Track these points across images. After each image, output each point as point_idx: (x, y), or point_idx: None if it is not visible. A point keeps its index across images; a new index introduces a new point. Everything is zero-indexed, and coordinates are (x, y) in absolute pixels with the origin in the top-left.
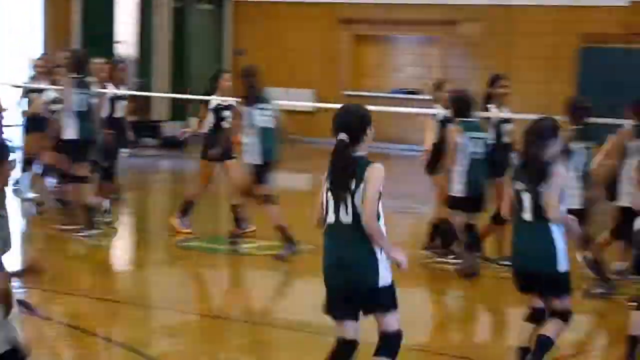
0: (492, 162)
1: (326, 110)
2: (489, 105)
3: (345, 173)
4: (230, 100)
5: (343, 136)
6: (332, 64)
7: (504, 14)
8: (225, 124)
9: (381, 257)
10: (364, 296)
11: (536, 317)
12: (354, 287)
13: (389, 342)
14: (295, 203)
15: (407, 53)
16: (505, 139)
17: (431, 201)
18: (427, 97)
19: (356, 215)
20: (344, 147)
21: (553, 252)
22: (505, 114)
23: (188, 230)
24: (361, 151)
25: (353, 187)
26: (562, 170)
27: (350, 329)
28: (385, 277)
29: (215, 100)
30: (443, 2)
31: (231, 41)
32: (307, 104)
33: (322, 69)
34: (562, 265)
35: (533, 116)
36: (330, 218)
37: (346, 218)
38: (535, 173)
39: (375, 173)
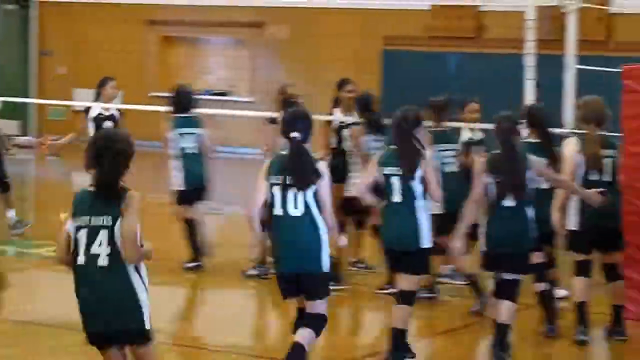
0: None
1: (132, 111)
2: (334, 110)
3: (306, 169)
4: (113, 110)
5: (296, 134)
6: (140, 66)
7: (309, 17)
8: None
9: (325, 246)
10: (309, 279)
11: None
12: (304, 271)
13: (317, 321)
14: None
15: (216, 55)
16: (347, 144)
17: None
18: (237, 98)
19: (307, 208)
20: (300, 145)
21: (420, 231)
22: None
23: None
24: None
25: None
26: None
27: (299, 299)
28: (327, 264)
29: (97, 108)
30: (250, 4)
31: (37, 42)
32: (114, 106)
33: (130, 70)
34: (427, 242)
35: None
36: (278, 211)
37: (294, 211)
38: (408, 158)
39: (325, 169)
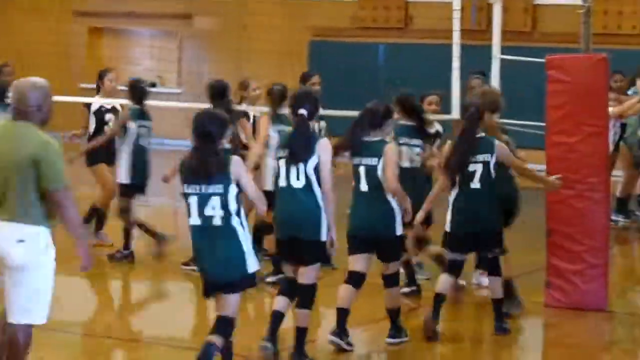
0: None
1: (59, 103)
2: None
3: (307, 144)
4: (114, 102)
5: (303, 111)
6: (66, 57)
7: (238, 8)
8: (107, 128)
9: (323, 217)
10: (306, 245)
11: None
12: (302, 237)
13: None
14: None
15: (144, 46)
16: None
17: None
18: (165, 90)
19: (308, 180)
20: (305, 121)
21: (390, 219)
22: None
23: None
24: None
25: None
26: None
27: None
28: (324, 233)
29: (97, 102)
30: None
31: None
32: (114, 101)
33: (56, 62)
34: (398, 230)
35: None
36: (282, 183)
37: (296, 183)
38: (372, 149)
39: (327, 146)
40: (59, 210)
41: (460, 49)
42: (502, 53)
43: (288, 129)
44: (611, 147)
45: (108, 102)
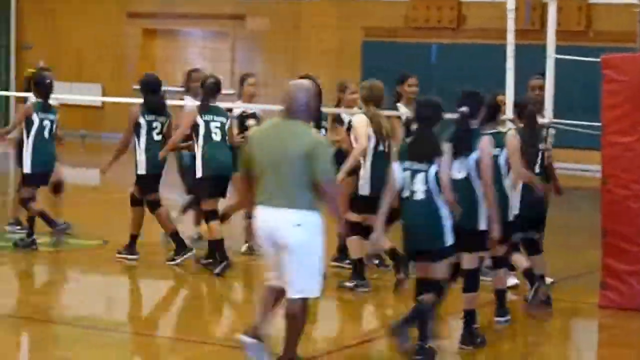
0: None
1: (114, 104)
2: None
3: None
4: (255, 108)
5: (464, 109)
6: (120, 58)
7: (290, 9)
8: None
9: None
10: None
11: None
12: (426, 250)
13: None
14: (85, 199)
15: (197, 47)
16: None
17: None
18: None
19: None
20: (465, 118)
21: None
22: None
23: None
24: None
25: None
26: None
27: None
28: (448, 239)
29: (238, 107)
30: None
31: (16, 35)
32: (95, 98)
33: (110, 63)
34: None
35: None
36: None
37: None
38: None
39: (487, 142)
40: (324, 196)
41: (514, 48)
42: (557, 53)
43: (219, 119)
44: None
45: (247, 107)
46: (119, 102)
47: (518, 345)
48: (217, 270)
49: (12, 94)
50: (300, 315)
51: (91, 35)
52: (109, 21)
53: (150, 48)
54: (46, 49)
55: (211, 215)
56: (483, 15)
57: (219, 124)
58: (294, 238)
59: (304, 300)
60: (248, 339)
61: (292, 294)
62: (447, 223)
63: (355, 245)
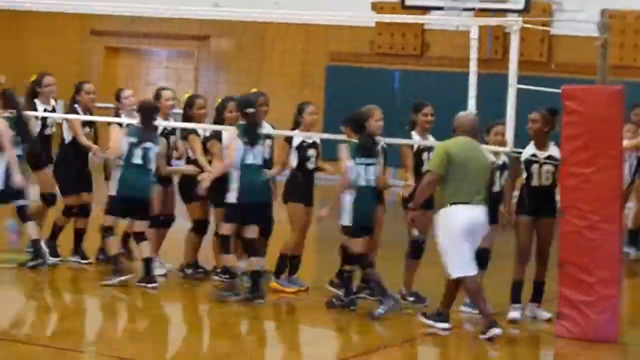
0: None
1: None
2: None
3: None
4: (315, 137)
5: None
6: (84, 76)
7: (256, 30)
8: (309, 165)
9: None
10: None
11: None
12: None
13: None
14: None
15: (161, 66)
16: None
17: None
18: (179, 111)
19: None
20: None
21: None
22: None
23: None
24: None
25: None
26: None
27: None
28: None
29: (298, 137)
30: (197, 17)
31: None
32: (57, 115)
33: (73, 80)
34: None
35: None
36: None
37: None
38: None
39: None
40: None
41: (476, 77)
42: (518, 82)
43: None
44: (628, 179)
45: (306, 136)
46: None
47: None
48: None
49: None
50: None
51: (54, 51)
52: (72, 38)
53: (113, 66)
54: (10, 66)
55: (136, 236)
56: (447, 43)
57: (144, 149)
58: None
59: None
60: None
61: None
62: None
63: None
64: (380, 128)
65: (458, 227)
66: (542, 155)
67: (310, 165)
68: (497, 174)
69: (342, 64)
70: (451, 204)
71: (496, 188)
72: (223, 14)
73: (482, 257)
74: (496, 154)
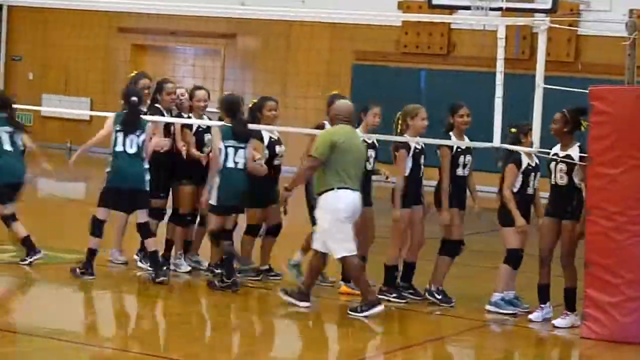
0: None
1: (102, 118)
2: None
3: None
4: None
5: None
6: (110, 73)
7: (282, 29)
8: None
9: None
10: None
11: None
12: None
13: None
14: (67, 212)
15: (187, 64)
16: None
17: None
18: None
19: None
20: None
21: None
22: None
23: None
24: None
25: None
26: None
27: None
28: None
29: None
30: (223, 15)
31: (6, 47)
32: (84, 112)
33: (100, 77)
34: None
35: (311, 131)
36: None
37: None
38: None
39: None
40: None
41: (503, 77)
42: (545, 82)
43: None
44: None
45: (367, 137)
46: (107, 116)
47: None
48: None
49: None
50: None
51: (81, 48)
52: (99, 35)
53: (139, 64)
54: (36, 61)
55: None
56: (473, 42)
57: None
58: None
59: None
60: None
61: None
62: None
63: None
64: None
65: (342, 210)
66: (561, 154)
67: (368, 166)
68: (532, 175)
69: (368, 63)
70: (337, 188)
71: (530, 190)
72: (249, 12)
73: (454, 247)
74: (529, 155)
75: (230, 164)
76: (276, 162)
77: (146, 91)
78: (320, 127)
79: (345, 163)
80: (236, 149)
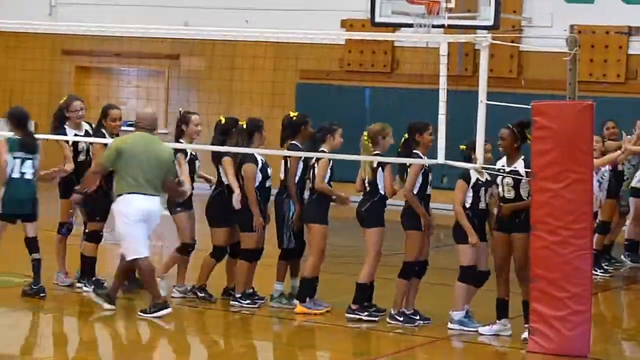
0: None
1: (47, 141)
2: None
3: None
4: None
5: None
6: (55, 95)
7: (226, 49)
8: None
9: None
10: None
11: None
12: None
13: None
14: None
15: (131, 86)
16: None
17: None
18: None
19: None
20: None
21: None
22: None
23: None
24: None
25: None
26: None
27: None
28: None
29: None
30: (167, 36)
31: None
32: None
33: (45, 100)
34: None
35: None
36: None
37: None
38: None
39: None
40: None
41: (446, 93)
42: (488, 99)
43: None
44: (603, 195)
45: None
46: (50, 139)
47: None
48: None
49: None
50: None
51: (26, 71)
52: (43, 57)
53: (83, 85)
54: None
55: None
56: (416, 60)
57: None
58: None
59: None
60: None
61: None
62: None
63: None
64: (431, 142)
65: (132, 214)
66: (507, 168)
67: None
68: (482, 191)
69: (312, 81)
70: (128, 193)
71: (482, 205)
72: (193, 33)
73: (421, 267)
74: (480, 172)
75: (15, 175)
76: (268, 184)
77: (80, 113)
78: (291, 148)
79: (133, 169)
80: (23, 160)
